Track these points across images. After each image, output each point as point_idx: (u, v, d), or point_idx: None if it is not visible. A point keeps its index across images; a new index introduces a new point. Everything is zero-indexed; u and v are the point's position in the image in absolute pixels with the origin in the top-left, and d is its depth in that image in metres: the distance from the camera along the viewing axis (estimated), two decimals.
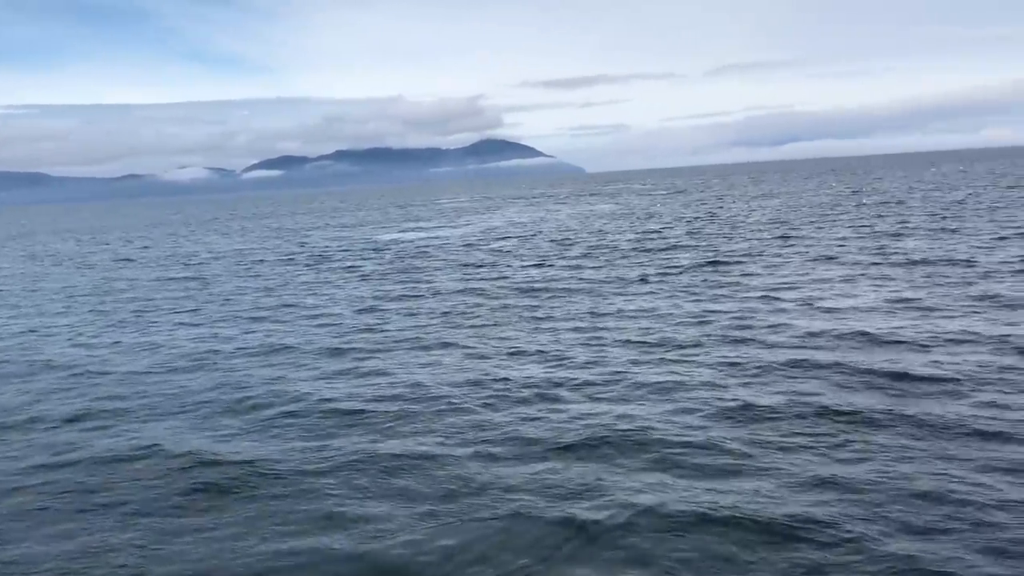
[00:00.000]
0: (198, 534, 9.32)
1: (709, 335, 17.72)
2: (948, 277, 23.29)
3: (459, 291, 26.85)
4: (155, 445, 12.29)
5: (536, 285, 27.08)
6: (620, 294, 24.28)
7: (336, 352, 18.35)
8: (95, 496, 10.60)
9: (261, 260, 43.18)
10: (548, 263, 33.36)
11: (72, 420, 14.10)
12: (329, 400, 14.26)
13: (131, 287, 33.98)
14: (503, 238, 48.21)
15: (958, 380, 13.21)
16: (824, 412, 12.03)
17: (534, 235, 49.21)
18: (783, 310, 20.04)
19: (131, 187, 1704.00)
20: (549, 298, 24.30)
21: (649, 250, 36.06)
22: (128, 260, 49.29)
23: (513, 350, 17.47)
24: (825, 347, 16.00)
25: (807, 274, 25.70)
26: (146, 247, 61.04)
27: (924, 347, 15.52)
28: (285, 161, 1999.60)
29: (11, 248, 72.03)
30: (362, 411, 13.49)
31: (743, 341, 16.95)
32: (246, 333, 21.42)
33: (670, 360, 15.74)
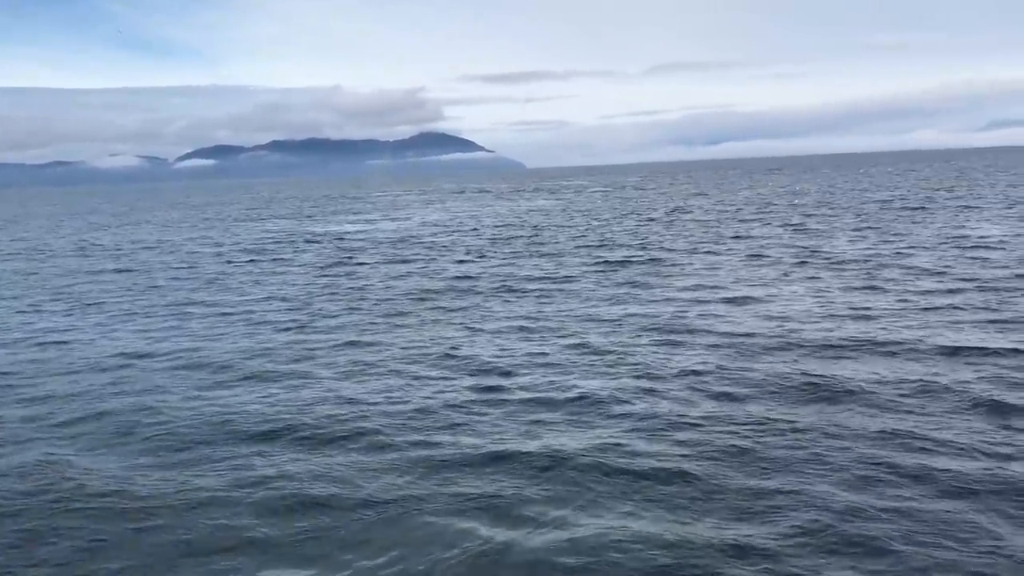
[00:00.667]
0: (88, 565, 8.79)
1: (643, 337, 17.64)
2: (874, 278, 23.67)
3: (392, 288, 26.39)
4: (45, 462, 11.41)
5: (472, 283, 26.78)
6: (558, 292, 24.10)
7: (261, 353, 17.72)
8: None
9: (190, 252, 42.00)
10: (485, 260, 33.08)
11: None
12: (246, 409, 13.62)
13: (49, 279, 32.66)
14: (441, 233, 47.78)
15: (885, 384, 13.32)
16: (753, 421, 11.97)
17: (472, 230, 48.90)
18: (717, 312, 20.04)
19: (59, 174, 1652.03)
20: (485, 297, 24.01)
21: (588, 247, 36.03)
22: (50, 251, 47.50)
23: (447, 352, 17.08)
24: (756, 351, 16.02)
25: (741, 274, 25.90)
26: (63, 236, 58.96)
27: (851, 350, 15.66)
28: (220, 150, 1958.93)
29: None
30: (282, 421, 12.85)
31: (677, 344, 16.87)
32: (166, 331, 20.66)
33: (603, 364, 15.55)
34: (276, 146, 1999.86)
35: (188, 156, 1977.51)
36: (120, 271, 34.53)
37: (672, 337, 17.40)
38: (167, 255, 41.11)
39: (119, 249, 46.09)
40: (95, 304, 25.54)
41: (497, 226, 51.40)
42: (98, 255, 42.99)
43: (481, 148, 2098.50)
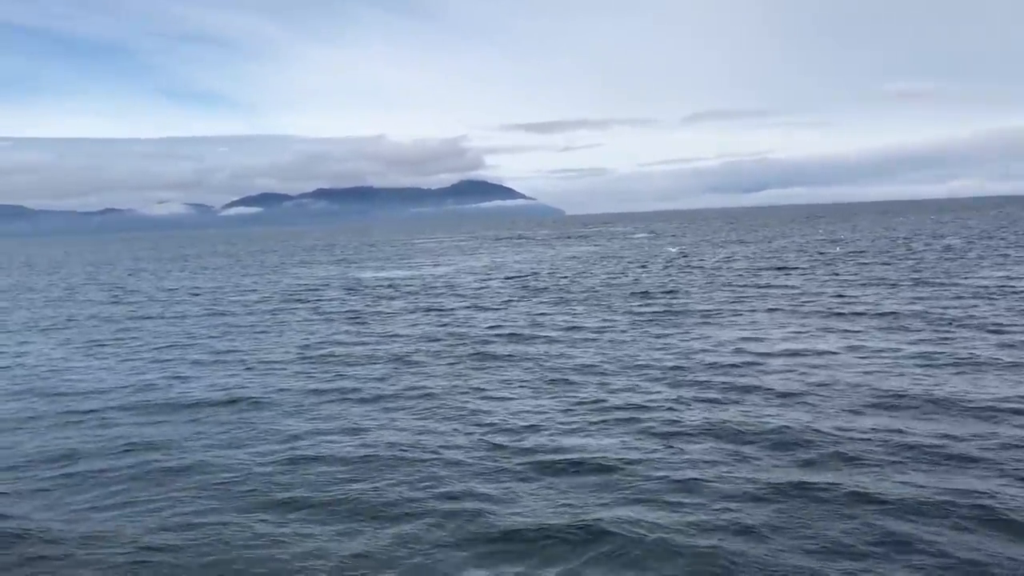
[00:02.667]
0: None
1: (675, 391, 17.38)
2: (919, 331, 23.15)
3: (426, 337, 26.35)
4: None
5: (505, 332, 26.67)
6: (592, 341, 23.88)
7: (286, 406, 17.81)
8: None
9: (233, 300, 42.44)
10: (518, 308, 32.97)
11: None
12: (265, 459, 13.73)
13: (85, 324, 33.16)
14: (478, 280, 47.79)
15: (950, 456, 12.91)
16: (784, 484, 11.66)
17: (512, 277, 48.85)
18: (761, 366, 19.70)
19: (110, 221, 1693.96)
20: (521, 347, 23.87)
21: (627, 295, 35.78)
22: (115, 299, 48.38)
23: (477, 407, 17.01)
24: (792, 407, 15.69)
25: (783, 326, 25.51)
26: (98, 282, 60.10)
27: (908, 406, 15.23)
28: (265, 198, 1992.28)
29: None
30: (299, 475, 12.93)
31: (713, 401, 16.59)
32: (197, 378, 20.85)
33: (635, 424, 15.32)
34: (320, 194, 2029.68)
35: (234, 204, 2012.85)
36: (158, 318, 34.98)
37: (711, 394, 17.10)
38: (210, 302, 41.56)
39: (172, 293, 46.72)
40: (126, 347, 25.84)
41: (536, 273, 51.35)
42: (147, 301, 43.61)
43: (521, 195, 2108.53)
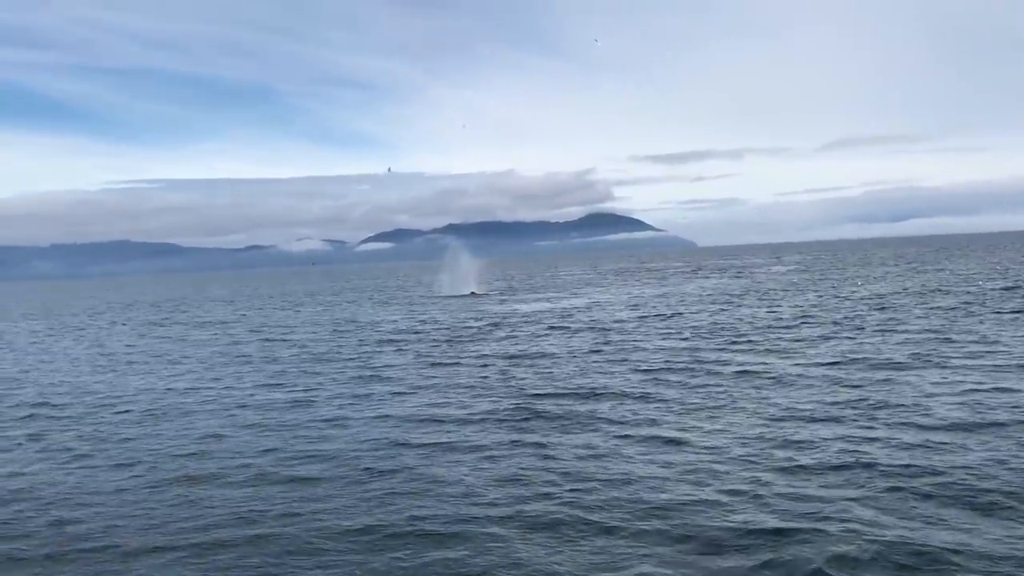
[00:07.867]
0: None
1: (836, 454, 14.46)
2: None
3: (569, 377, 24.08)
4: None
5: (656, 376, 24.12)
6: (761, 387, 21.08)
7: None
8: None
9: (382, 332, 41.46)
10: (659, 344, 30.30)
11: None
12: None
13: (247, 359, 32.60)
14: (606, 317, 45.23)
15: None
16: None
17: (643, 316, 46.09)
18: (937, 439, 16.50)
19: (254, 257, 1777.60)
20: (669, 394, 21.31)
21: (773, 341, 32.53)
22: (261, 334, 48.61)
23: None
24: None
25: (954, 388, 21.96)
26: (240, 318, 60.70)
27: None
28: (398, 234, 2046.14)
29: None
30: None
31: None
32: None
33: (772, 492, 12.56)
34: (450, 229, 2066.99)
35: (369, 240, 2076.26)
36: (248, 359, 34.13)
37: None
38: (347, 335, 40.71)
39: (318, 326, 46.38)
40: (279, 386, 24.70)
41: (669, 309, 48.37)
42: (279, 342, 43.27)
43: (650, 227, 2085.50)
